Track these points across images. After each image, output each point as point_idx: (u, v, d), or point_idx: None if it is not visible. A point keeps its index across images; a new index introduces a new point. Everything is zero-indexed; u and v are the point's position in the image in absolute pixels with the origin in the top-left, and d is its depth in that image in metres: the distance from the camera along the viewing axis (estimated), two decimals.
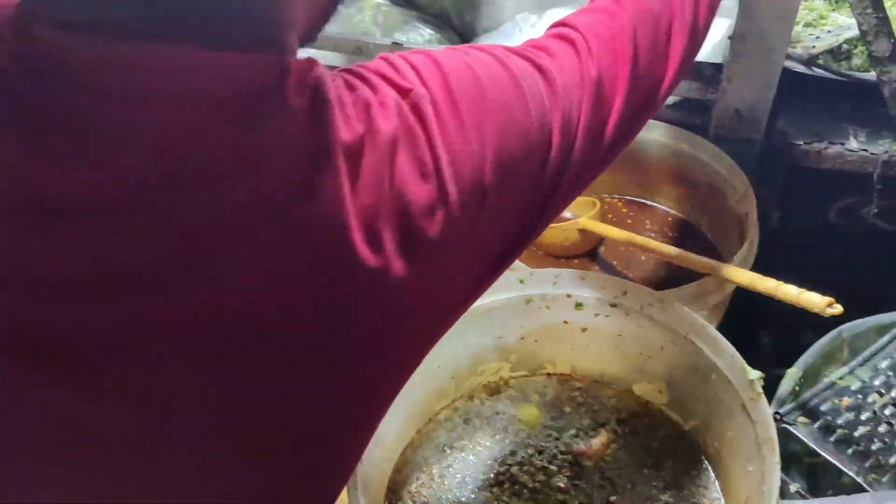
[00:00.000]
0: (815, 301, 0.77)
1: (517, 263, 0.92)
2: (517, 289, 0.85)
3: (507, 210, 0.52)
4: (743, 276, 0.85)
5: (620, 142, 0.60)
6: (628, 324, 0.85)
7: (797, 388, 0.93)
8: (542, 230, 0.57)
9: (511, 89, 0.51)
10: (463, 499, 0.84)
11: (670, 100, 1.05)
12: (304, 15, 0.47)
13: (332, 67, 0.48)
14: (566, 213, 1.15)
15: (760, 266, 0.94)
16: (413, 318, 0.49)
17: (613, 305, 0.84)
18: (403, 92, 0.47)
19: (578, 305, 0.85)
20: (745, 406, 0.75)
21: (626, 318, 0.84)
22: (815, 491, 0.88)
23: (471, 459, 0.88)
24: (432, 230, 0.46)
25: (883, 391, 0.87)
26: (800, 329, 0.98)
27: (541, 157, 0.53)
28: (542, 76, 0.54)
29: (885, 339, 0.91)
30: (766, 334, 1.17)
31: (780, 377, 0.94)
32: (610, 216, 1.14)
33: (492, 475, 0.86)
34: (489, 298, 0.86)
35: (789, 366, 0.95)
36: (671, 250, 0.94)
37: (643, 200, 1.17)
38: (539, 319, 0.88)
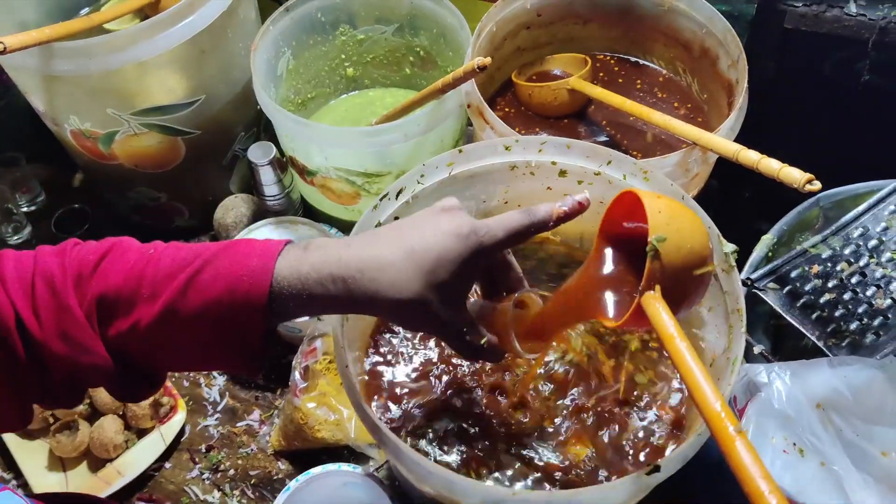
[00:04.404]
0: (795, 177, 0.78)
1: (506, 129, 0.92)
2: (502, 155, 0.85)
3: None
4: (727, 147, 0.86)
5: None
6: (610, 191, 0.85)
7: (770, 253, 0.97)
8: None
9: None
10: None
11: None
12: None
13: None
14: (556, 71, 1.14)
15: (747, 132, 0.94)
16: None
17: (597, 174, 0.84)
18: None
19: (563, 173, 0.86)
20: (717, 276, 0.77)
21: (608, 186, 0.85)
22: (777, 352, 0.93)
23: None
24: None
25: (852, 260, 0.90)
26: (779, 193, 1.00)
27: None
28: None
29: (861, 208, 0.93)
30: (746, 198, 1.19)
31: (757, 241, 0.97)
32: (601, 74, 1.13)
33: None
34: (474, 164, 0.86)
35: (768, 229, 0.98)
36: (657, 117, 0.94)
37: (635, 59, 1.15)
38: (523, 185, 0.89)
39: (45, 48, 0.94)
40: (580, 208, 0.66)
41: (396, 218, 0.84)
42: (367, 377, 0.86)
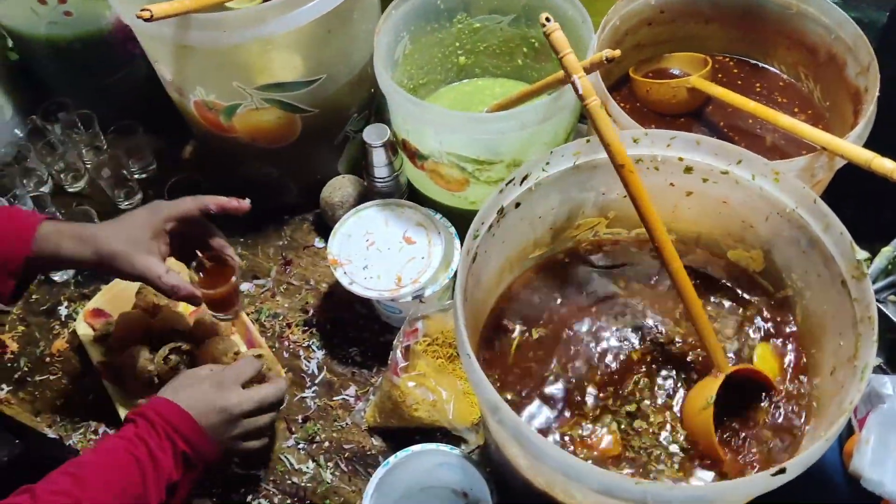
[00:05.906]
0: None
1: (630, 122, 0.92)
2: (629, 147, 0.85)
3: None
4: (860, 154, 0.84)
5: None
6: (736, 192, 0.85)
7: (890, 266, 0.95)
8: None
9: None
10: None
11: None
12: None
13: None
14: (674, 70, 1.13)
15: (868, 143, 0.92)
16: None
17: (724, 173, 0.84)
18: None
19: (688, 169, 0.85)
20: (845, 283, 0.76)
21: (735, 186, 0.84)
22: (893, 366, 0.91)
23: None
24: None
25: None
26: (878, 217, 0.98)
27: None
28: None
29: None
30: (864, 211, 1.16)
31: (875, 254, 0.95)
32: (720, 75, 1.11)
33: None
34: (600, 155, 0.86)
35: (885, 244, 0.96)
36: (785, 120, 0.92)
37: (755, 61, 1.13)
38: (645, 179, 0.87)
39: (183, 19, 0.97)
40: (238, 207, 0.98)
41: (518, 204, 0.85)
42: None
